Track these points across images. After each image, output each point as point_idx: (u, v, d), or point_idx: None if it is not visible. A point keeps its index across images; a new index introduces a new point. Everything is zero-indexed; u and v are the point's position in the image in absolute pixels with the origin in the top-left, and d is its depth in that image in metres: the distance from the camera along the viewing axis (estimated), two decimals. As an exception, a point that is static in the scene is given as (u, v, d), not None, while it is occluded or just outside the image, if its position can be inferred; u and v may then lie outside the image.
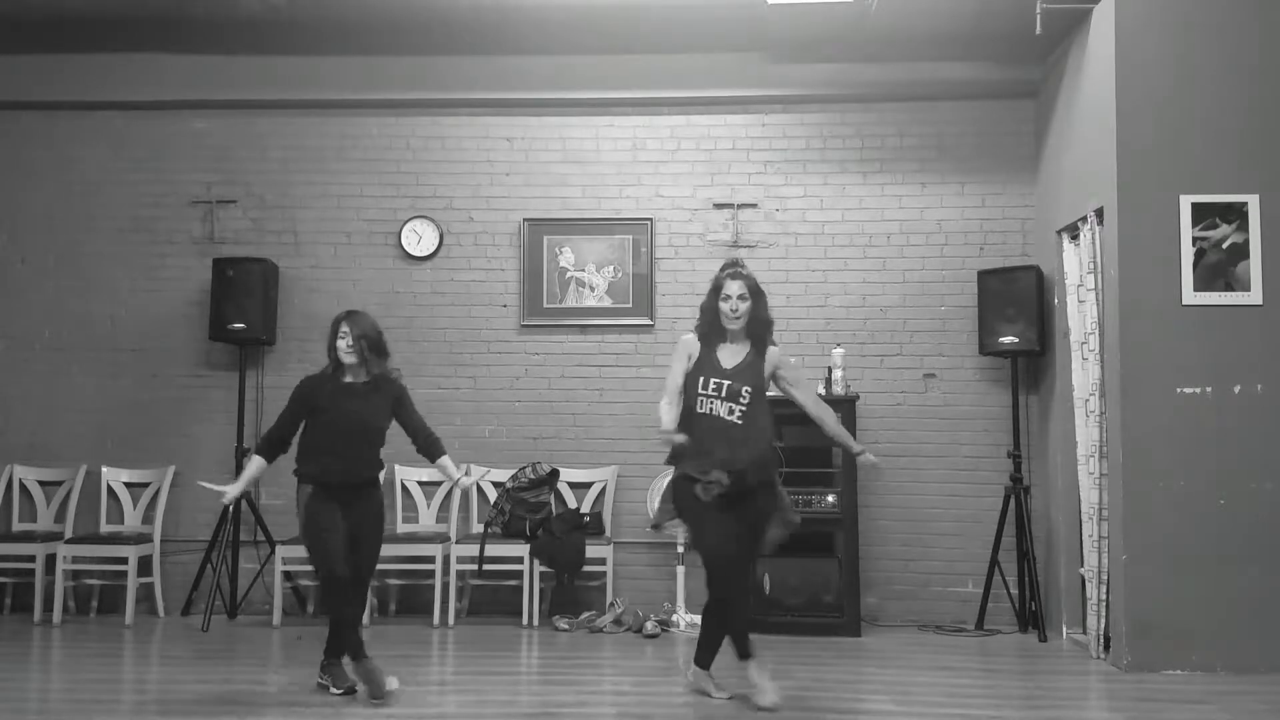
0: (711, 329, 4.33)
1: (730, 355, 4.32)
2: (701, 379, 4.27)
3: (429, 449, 4.69)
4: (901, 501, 6.21)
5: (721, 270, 4.39)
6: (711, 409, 4.23)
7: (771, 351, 4.37)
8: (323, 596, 4.46)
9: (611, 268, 6.47)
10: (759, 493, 4.26)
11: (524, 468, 6.23)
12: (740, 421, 4.22)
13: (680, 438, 4.23)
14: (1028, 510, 5.93)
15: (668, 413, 4.26)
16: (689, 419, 4.27)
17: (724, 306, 4.29)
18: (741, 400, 4.22)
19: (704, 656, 4.46)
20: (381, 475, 4.65)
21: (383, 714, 4.20)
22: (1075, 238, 5.65)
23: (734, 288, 4.30)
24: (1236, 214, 5.07)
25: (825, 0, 5.55)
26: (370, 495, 4.56)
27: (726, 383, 4.23)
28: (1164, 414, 5.02)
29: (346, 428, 4.47)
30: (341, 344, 4.50)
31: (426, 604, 6.02)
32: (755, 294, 4.33)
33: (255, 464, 4.58)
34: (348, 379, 4.54)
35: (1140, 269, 5.08)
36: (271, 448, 4.56)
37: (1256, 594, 4.94)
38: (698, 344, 4.36)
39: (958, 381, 6.30)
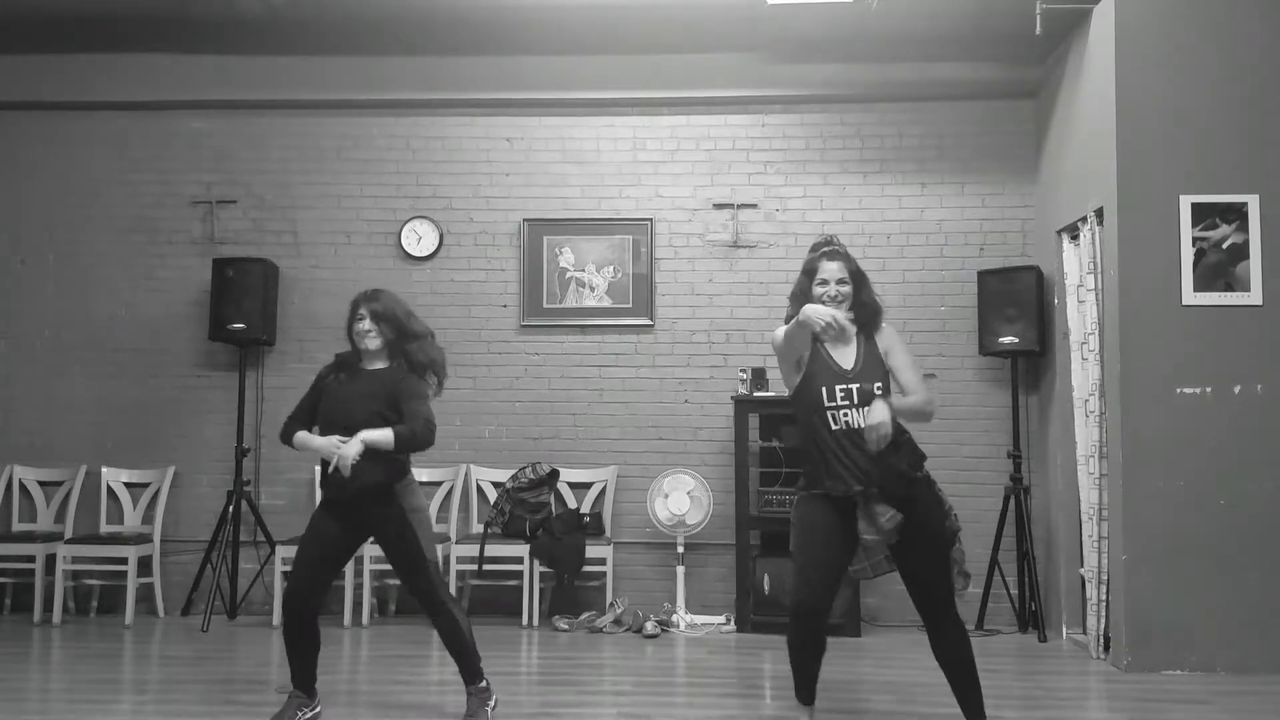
0: None
1: (843, 351, 3.66)
2: (825, 390, 3.59)
3: (411, 431, 3.97)
4: (901, 501, 6.20)
5: (814, 250, 3.75)
6: (849, 422, 3.57)
7: (883, 332, 3.72)
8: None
9: (611, 268, 6.47)
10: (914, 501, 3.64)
11: (524, 468, 6.23)
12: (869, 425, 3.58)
13: (843, 317, 3.55)
14: (1028, 510, 5.93)
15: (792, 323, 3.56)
16: (816, 440, 3.62)
17: (820, 292, 3.65)
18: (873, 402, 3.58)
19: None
20: (399, 482, 4.02)
21: (382, 714, 4.20)
22: (1075, 238, 5.65)
23: (832, 270, 3.66)
24: (1236, 214, 5.07)
25: (825, 0, 5.55)
26: (379, 516, 3.98)
27: (855, 386, 3.57)
28: (1164, 414, 5.02)
29: (329, 415, 3.97)
30: (360, 326, 4.01)
31: (426, 604, 6.01)
32: (857, 277, 3.70)
33: (300, 439, 4.02)
34: (370, 365, 4.06)
35: (1140, 269, 5.08)
36: (289, 427, 4.08)
37: (1256, 594, 4.94)
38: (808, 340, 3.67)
39: (958, 381, 6.29)
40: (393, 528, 3.99)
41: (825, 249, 3.72)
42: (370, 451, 3.87)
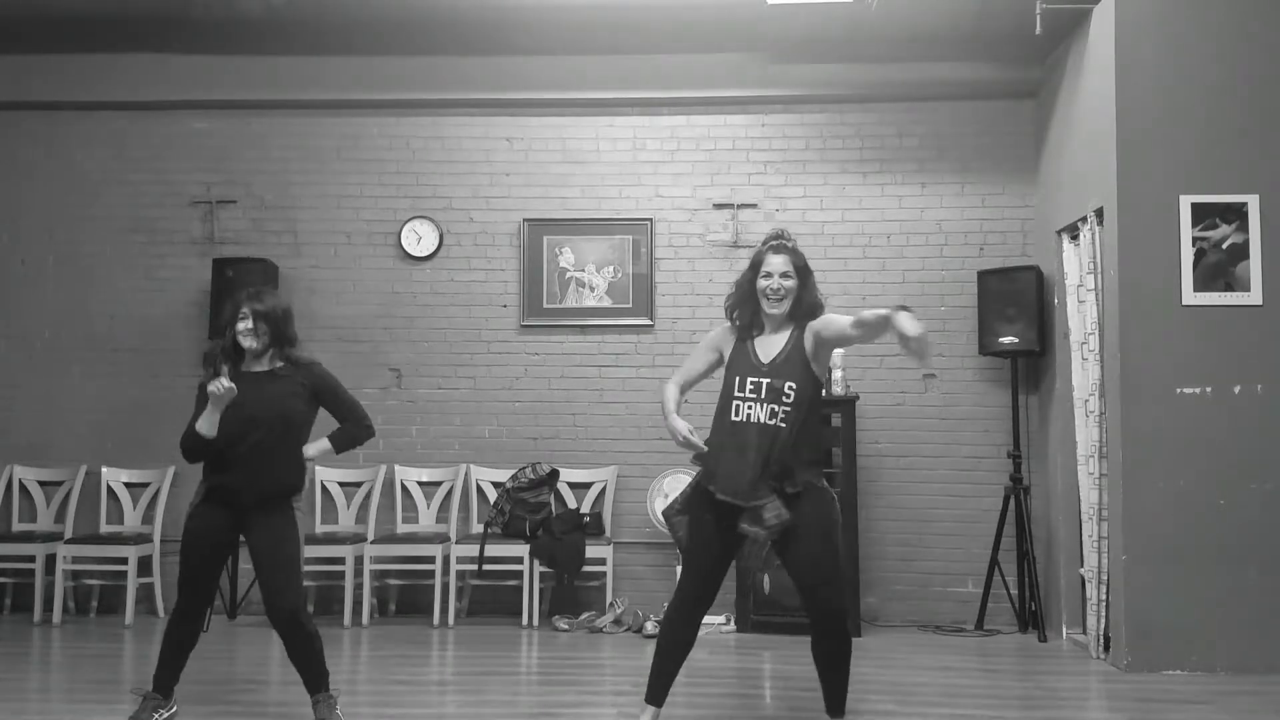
0: (744, 311, 3.70)
1: (768, 347, 3.65)
2: (737, 379, 3.61)
3: (353, 432, 4.12)
4: (901, 501, 6.21)
5: (763, 244, 3.71)
6: (749, 415, 3.55)
7: (810, 324, 3.64)
8: (167, 625, 4.00)
9: (611, 268, 6.47)
10: (799, 501, 3.56)
11: (524, 468, 6.24)
12: (784, 425, 3.53)
13: (696, 442, 3.59)
14: (1027, 510, 5.93)
15: (671, 397, 3.68)
16: (720, 427, 3.64)
17: (764, 285, 3.63)
18: (785, 399, 3.53)
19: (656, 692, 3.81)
20: (298, 498, 4.00)
21: (382, 714, 4.20)
22: (1075, 238, 5.65)
23: (776, 263, 3.62)
24: (1236, 214, 5.07)
25: (825, 0, 5.55)
26: (271, 517, 3.88)
27: (766, 381, 3.55)
28: (1164, 414, 5.02)
29: (241, 424, 3.82)
30: (241, 326, 3.91)
31: (426, 604, 6.02)
32: (802, 272, 3.65)
33: (197, 426, 3.89)
34: (252, 368, 3.97)
35: (1140, 269, 5.08)
36: (189, 456, 3.94)
37: (1256, 594, 4.94)
38: (732, 337, 3.72)
39: (958, 381, 6.29)
40: (282, 529, 3.89)
41: (773, 242, 3.69)
42: (286, 455, 3.92)
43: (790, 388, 3.55)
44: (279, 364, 3.99)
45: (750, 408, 3.56)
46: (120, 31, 6.19)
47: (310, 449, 4.02)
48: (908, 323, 3.32)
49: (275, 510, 3.90)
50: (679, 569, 5.99)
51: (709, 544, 3.68)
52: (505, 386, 6.48)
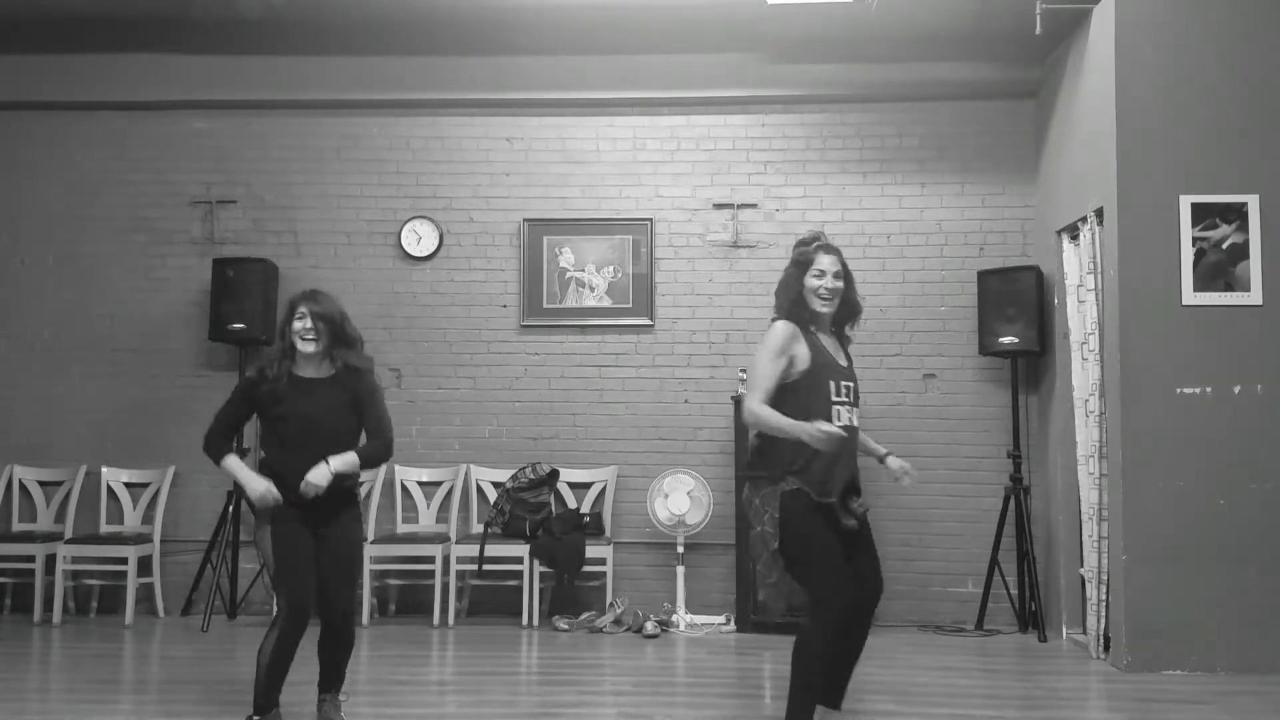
0: (803, 310, 3.57)
1: (836, 349, 3.63)
2: (832, 384, 3.51)
3: (373, 449, 3.90)
4: (901, 501, 6.19)
5: (808, 244, 3.63)
6: (849, 419, 3.52)
7: (850, 342, 3.75)
8: (281, 634, 3.73)
9: (611, 268, 6.47)
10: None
11: (524, 468, 6.24)
12: (858, 426, 3.62)
13: (840, 432, 3.40)
14: (1027, 510, 5.93)
15: (778, 414, 3.41)
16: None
17: (816, 284, 3.55)
18: (858, 403, 3.61)
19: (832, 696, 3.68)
20: (360, 488, 4.02)
21: (382, 714, 4.20)
22: (1075, 238, 5.66)
23: (827, 263, 3.56)
24: (1236, 214, 5.07)
25: (825, 0, 5.55)
26: (341, 516, 3.86)
27: (852, 384, 3.57)
28: (1164, 414, 5.02)
29: (296, 432, 3.78)
30: (298, 325, 3.78)
31: (426, 604, 6.02)
32: (847, 274, 3.63)
33: (230, 464, 3.87)
34: (305, 373, 3.86)
35: (1140, 269, 5.08)
36: (216, 443, 3.90)
37: (1256, 594, 4.94)
38: (797, 335, 3.54)
39: (958, 382, 6.29)
40: (354, 527, 3.95)
41: (819, 243, 3.64)
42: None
43: (859, 390, 3.65)
44: (334, 369, 3.87)
45: (848, 412, 3.56)
46: (120, 31, 6.20)
47: (335, 461, 3.74)
48: (896, 467, 3.76)
49: (344, 511, 3.88)
50: (679, 569, 6.03)
51: (833, 542, 3.54)
52: (505, 386, 6.48)
